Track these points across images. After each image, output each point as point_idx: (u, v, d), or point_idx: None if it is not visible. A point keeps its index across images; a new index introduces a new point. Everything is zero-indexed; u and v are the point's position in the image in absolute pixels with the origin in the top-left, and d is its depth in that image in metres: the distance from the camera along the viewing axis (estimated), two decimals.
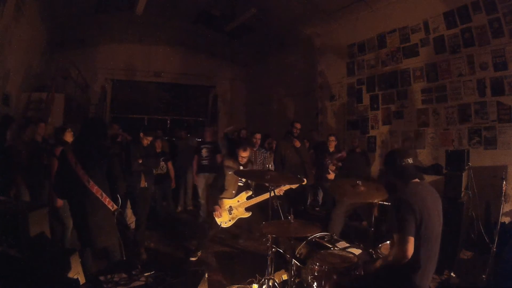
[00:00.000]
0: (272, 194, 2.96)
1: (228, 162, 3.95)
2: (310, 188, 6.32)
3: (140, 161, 4.04)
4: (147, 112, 9.78)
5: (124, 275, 2.16)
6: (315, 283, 2.30)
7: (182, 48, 9.55)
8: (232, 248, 4.47)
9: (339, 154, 5.56)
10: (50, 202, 3.64)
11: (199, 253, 4.00)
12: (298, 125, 5.21)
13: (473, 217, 3.96)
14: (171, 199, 5.91)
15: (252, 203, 3.80)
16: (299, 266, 2.59)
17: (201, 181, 5.52)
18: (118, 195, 2.98)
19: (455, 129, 5.05)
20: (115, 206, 2.89)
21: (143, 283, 2.09)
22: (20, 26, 5.02)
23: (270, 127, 8.04)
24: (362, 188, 2.64)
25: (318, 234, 2.81)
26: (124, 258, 3.00)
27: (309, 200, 6.56)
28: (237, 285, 3.04)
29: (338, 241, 2.82)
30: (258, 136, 5.25)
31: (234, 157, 3.96)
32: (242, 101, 10.94)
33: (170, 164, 5.59)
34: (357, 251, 2.56)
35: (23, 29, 5.18)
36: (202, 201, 5.46)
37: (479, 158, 4.54)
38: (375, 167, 6.27)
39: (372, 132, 6.50)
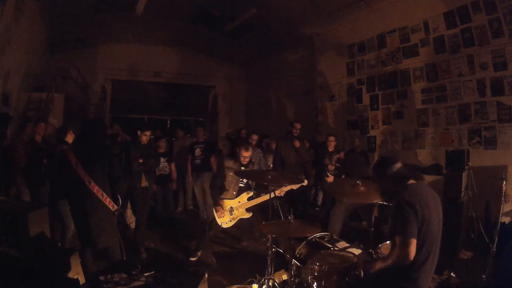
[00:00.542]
0: (273, 195, 2.95)
1: (229, 163, 3.94)
2: (310, 188, 6.32)
3: (141, 161, 4.05)
4: (147, 112, 9.75)
5: (124, 275, 2.17)
6: (315, 283, 2.29)
7: (182, 48, 9.54)
8: (232, 248, 4.47)
9: (337, 155, 5.56)
10: (50, 202, 3.64)
11: (199, 253, 4.00)
12: (298, 125, 5.20)
13: (473, 217, 3.97)
14: (171, 199, 5.92)
15: (253, 204, 3.80)
16: (299, 266, 2.59)
17: (196, 184, 5.49)
18: (119, 195, 2.98)
19: (455, 129, 5.05)
20: (116, 206, 2.90)
21: (143, 283, 2.10)
22: (20, 26, 5.02)
23: (269, 127, 8.05)
24: (362, 188, 2.64)
25: (318, 234, 2.80)
26: (124, 258, 3.00)
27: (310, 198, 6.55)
28: (237, 285, 3.03)
29: (338, 241, 2.80)
30: (255, 137, 5.24)
31: (235, 157, 3.96)
32: (242, 101, 10.94)
33: (173, 166, 5.56)
34: (357, 251, 2.55)
35: (23, 29, 5.17)
36: (201, 202, 5.46)
37: (479, 158, 4.54)
38: None
39: (372, 132, 6.50)
